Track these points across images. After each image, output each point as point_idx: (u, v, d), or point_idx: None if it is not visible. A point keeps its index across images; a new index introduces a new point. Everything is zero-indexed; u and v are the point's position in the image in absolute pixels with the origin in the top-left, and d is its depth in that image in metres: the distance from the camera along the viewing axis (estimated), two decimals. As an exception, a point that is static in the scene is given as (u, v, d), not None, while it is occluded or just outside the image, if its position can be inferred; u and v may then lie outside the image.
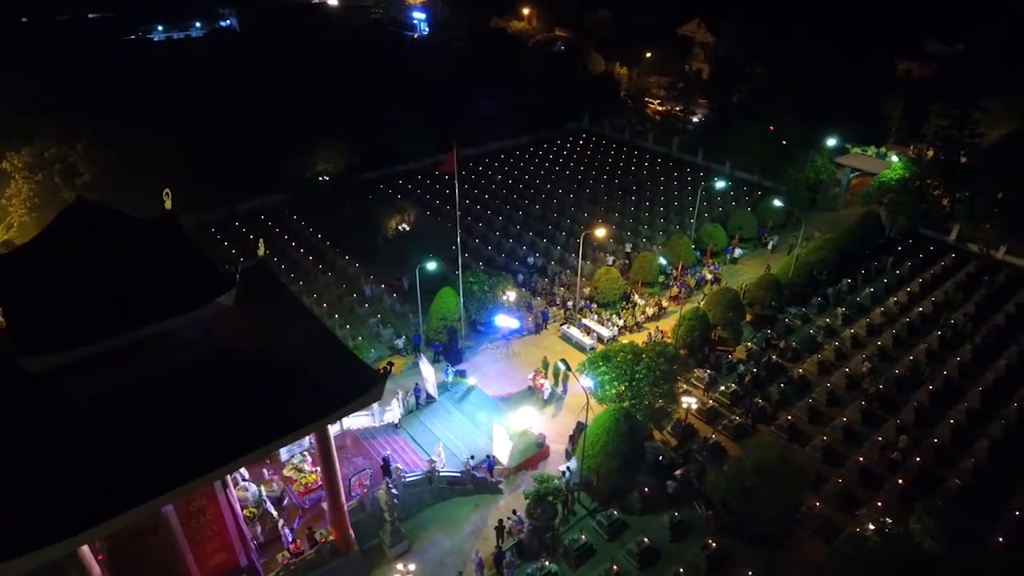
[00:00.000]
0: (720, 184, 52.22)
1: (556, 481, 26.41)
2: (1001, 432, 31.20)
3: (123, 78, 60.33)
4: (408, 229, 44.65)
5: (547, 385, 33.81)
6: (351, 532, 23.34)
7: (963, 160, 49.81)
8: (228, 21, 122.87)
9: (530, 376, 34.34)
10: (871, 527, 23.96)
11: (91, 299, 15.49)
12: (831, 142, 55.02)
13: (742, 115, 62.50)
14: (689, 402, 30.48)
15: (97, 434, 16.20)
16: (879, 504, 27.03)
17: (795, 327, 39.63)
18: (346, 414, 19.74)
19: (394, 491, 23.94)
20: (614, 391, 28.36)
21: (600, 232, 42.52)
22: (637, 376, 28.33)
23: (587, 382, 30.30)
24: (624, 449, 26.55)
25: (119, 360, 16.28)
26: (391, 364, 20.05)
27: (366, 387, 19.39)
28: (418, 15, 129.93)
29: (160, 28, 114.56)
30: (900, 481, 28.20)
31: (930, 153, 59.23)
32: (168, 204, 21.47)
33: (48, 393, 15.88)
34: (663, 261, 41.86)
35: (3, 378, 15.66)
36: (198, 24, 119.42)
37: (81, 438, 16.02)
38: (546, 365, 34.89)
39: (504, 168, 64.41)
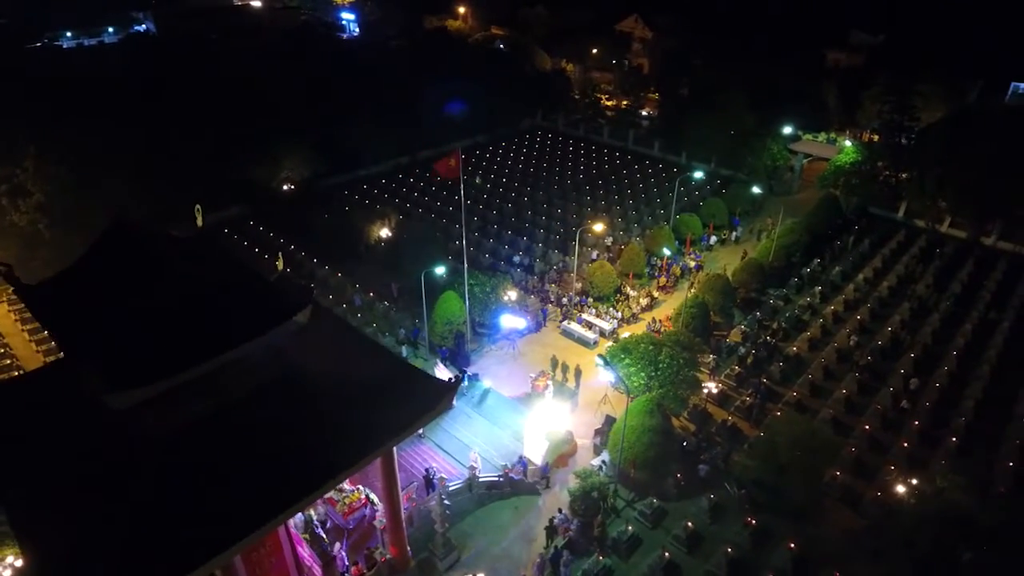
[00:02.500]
0: (698, 175, 53.83)
1: (598, 476, 26.61)
2: (980, 392, 33.80)
3: (50, 88, 55.71)
4: (390, 235, 43.60)
5: (551, 387, 33.58)
6: (408, 549, 22.73)
7: (904, 142, 53.47)
8: (143, 26, 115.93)
9: (532, 376, 34.03)
10: (901, 489, 25.48)
11: (174, 327, 14.32)
12: (787, 130, 57.75)
13: (692, 107, 64.55)
14: (709, 387, 31.35)
15: (178, 472, 15.08)
16: (892, 467, 28.75)
17: (779, 308, 41.45)
18: (418, 428, 19.15)
19: (447, 502, 23.47)
20: (641, 382, 28.80)
21: (598, 227, 42.91)
22: (661, 365, 28.89)
23: (610, 376, 30.69)
24: (660, 439, 27.10)
25: (196, 390, 15.19)
26: (463, 372, 19.60)
27: (437, 398, 18.91)
28: (347, 15, 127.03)
29: (69, 34, 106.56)
30: (905, 444, 30.12)
31: (866, 137, 63.37)
32: (200, 221, 20.19)
33: (127, 430, 14.68)
34: (667, 252, 42.83)
35: (73, 416, 14.30)
36: (111, 29, 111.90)
37: (163, 478, 14.87)
38: (555, 365, 34.90)
39: (467, 168, 63.88)
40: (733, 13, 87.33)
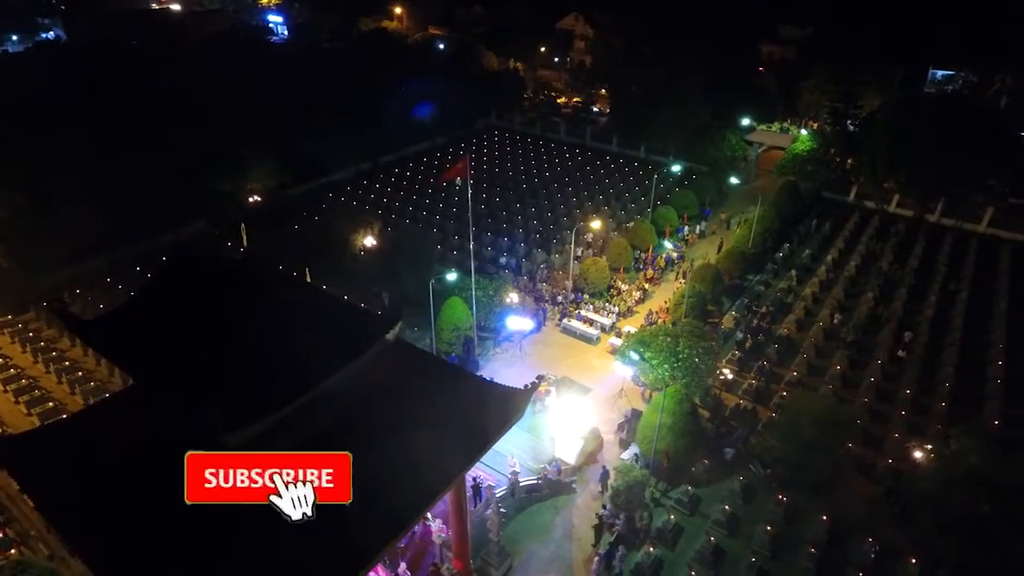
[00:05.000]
0: (676, 168, 55.17)
1: (637, 470, 27.02)
2: (956, 356, 36.46)
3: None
4: (375, 243, 42.50)
5: (552, 391, 33.53)
6: (471, 561, 22.42)
7: (852, 129, 56.83)
8: (51, 33, 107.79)
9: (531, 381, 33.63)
10: (918, 455, 27.19)
11: (279, 354, 13.49)
12: (745, 121, 60.12)
13: (646, 103, 65.99)
14: (725, 373, 32.35)
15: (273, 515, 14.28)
16: (896, 436, 30.63)
17: (761, 293, 43.23)
18: (496, 440, 18.86)
19: (503, 510, 23.28)
20: (665, 374, 29.42)
21: (595, 224, 43.33)
22: (680, 356, 29.61)
23: (628, 371, 31.22)
24: (691, 427, 27.84)
25: (294, 420, 14.46)
26: (541, 378, 19.49)
27: (513, 407, 18.73)
28: (274, 18, 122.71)
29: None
30: (903, 413, 32.13)
31: (812, 125, 66.85)
32: (245, 241, 19.12)
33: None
34: (668, 245, 43.88)
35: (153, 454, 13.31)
36: (14, 37, 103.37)
37: (258, 523, 14.05)
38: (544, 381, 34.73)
39: (432, 170, 63.27)
40: (669, 10, 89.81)
